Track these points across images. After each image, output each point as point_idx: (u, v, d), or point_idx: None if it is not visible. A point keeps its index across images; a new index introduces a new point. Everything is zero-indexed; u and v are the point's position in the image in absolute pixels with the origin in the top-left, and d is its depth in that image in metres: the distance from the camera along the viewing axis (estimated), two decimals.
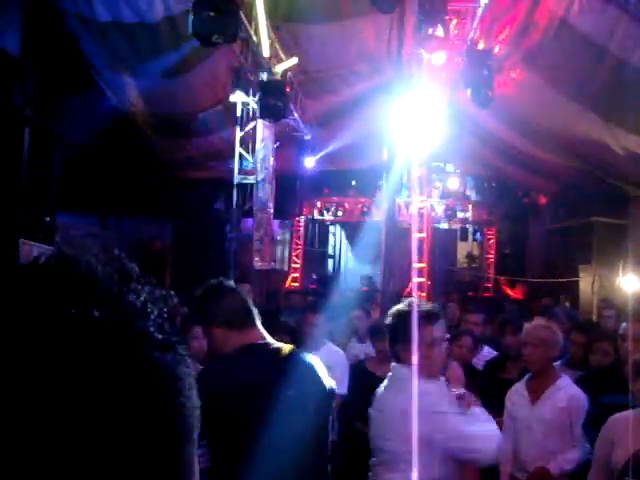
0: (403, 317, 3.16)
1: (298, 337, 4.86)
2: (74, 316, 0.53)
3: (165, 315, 0.60)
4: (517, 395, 4.37)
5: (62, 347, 0.52)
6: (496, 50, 9.90)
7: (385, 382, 3.31)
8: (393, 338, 3.27)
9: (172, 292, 0.63)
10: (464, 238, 19.73)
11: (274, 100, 9.59)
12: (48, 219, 7.32)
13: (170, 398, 0.57)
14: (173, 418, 0.57)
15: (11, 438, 0.49)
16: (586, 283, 12.68)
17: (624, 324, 4.96)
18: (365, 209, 17.80)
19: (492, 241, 19.11)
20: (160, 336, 0.58)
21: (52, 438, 0.50)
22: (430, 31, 9.18)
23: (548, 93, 9.87)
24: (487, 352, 6.29)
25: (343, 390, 4.80)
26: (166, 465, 0.56)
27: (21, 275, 0.57)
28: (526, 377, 4.39)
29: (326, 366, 4.90)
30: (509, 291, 17.38)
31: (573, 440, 4.10)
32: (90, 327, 0.54)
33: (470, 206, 18.92)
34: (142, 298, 0.59)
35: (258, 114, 10.06)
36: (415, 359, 2.98)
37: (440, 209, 18.06)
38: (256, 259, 10.53)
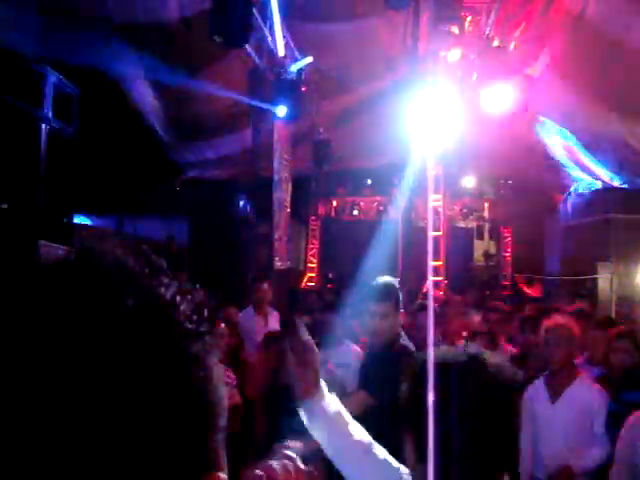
0: None
1: (316, 336, 4.85)
2: (107, 306, 0.55)
3: (193, 307, 0.62)
4: (536, 393, 4.34)
5: (97, 335, 0.54)
6: (511, 47, 9.86)
7: None
8: None
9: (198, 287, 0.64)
10: (480, 236, 19.65)
11: (289, 99, 9.60)
12: (66, 220, 7.37)
13: (198, 386, 0.59)
14: (200, 405, 0.59)
15: (49, 422, 0.51)
16: (604, 281, 12.58)
17: None
18: (381, 208, 17.78)
19: (509, 239, 19.02)
20: (189, 326, 0.60)
21: (85, 423, 0.52)
22: (445, 28, 9.15)
23: (564, 89, 9.81)
24: (506, 350, 6.26)
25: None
26: (193, 451, 0.58)
27: (54, 269, 0.59)
28: (545, 375, 4.36)
29: (344, 364, 4.92)
30: (526, 289, 17.29)
31: (594, 438, 4.07)
32: (123, 316, 0.55)
33: (486, 204, 18.85)
34: (171, 290, 0.61)
35: (274, 114, 10.07)
36: None
37: (456, 207, 18.01)
38: (276, 259, 10.54)
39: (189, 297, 0.62)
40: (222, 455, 0.64)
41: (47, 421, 0.51)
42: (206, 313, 0.63)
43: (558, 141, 11.88)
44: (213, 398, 0.61)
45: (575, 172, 13.46)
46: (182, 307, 0.60)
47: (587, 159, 12.00)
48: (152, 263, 0.63)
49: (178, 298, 0.60)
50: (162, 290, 0.60)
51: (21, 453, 0.51)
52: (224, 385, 0.64)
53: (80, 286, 0.56)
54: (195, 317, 0.61)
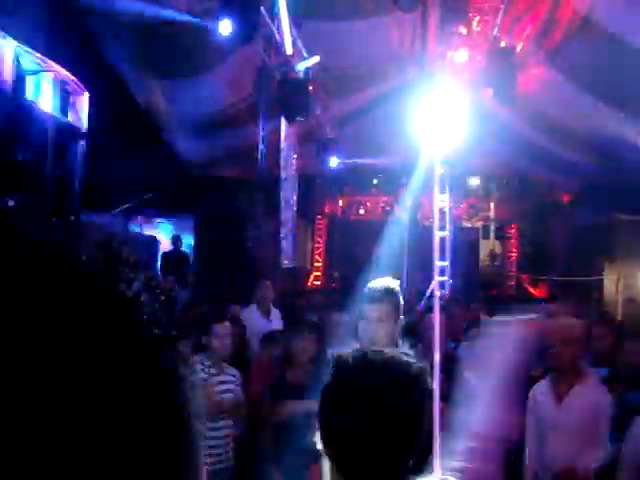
0: None
1: (323, 335, 4.87)
2: (55, 310, 0.47)
3: (162, 306, 0.54)
4: (541, 394, 4.34)
5: (43, 347, 0.45)
6: (518, 48, 9.84)
7: None
8: None
9: (172, 278, 0.55)
10: (486, 236, 19.62)
11: (296, 98, 9.60)
12: (73, 218, 7.39)
13: (166, 400, 0.51)
14: (171, 420, 0.51)
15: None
16: (610, 281, 12.57)
17: None
18: (387, 207, 17.78)
19: (514, 239, 18.99)
20: (155, 330, 0.51)
21: (46, 442, 0.44)
22: (453, 29, 9.14)
23: (571, 90, 9.80)
24: None
25: None
26: (164, 466, 0.50)
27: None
28: (551, 375, 4.36)
29: None
30: (532, 290, 17.26)
31: (599, 439, 4.07)
32: (72, 321, 0.47)
33: (492, 204, 18.83)
34: (135, 287, 0.52)
35: (281, 112, 10.07)
36: None
37: (462, 207, 17.99)
38: (283, 257, 10.56)
39: (158, 294, 0.55)
40: (197, 467, 0.54)
41: None
42: (177, 312, 0.53)
43: (562, 141, 11.86)
44: (182, 412, 0.52)
45: (580, 172, 13.43)
46: (146, 308, 0.52)
47: (593, 160, 11.97)
48: (113, 254, 0.54)
49: (143, 296, 0.52)
50: (122, 287, 0.51)
51: None
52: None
53: (22, 287, 0.47)
54: (163, 319, 0.53)
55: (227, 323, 5.04)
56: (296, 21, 9.51)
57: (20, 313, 0.46)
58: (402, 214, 14.97)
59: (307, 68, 10.26)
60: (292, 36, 9.64)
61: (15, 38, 6.71)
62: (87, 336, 0.46)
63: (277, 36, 9.31)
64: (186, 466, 0.52)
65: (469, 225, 19.05)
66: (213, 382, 4.73)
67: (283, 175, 10.67)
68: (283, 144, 10.66)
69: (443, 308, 5.50)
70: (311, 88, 10.20)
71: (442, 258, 13.91)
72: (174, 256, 12.77)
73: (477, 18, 9.91)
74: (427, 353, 4.84)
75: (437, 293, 5.17)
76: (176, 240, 13.28)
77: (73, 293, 0.48)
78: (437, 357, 3.89)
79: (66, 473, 0.44)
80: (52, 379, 0.44)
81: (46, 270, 0.49)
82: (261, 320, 7.12)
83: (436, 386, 2.74)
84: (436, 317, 4.47)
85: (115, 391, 0.46)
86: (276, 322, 7.26)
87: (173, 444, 0.50)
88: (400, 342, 3.71)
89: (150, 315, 0.51)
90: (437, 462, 2.06)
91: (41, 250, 0.51)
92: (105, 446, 0.45)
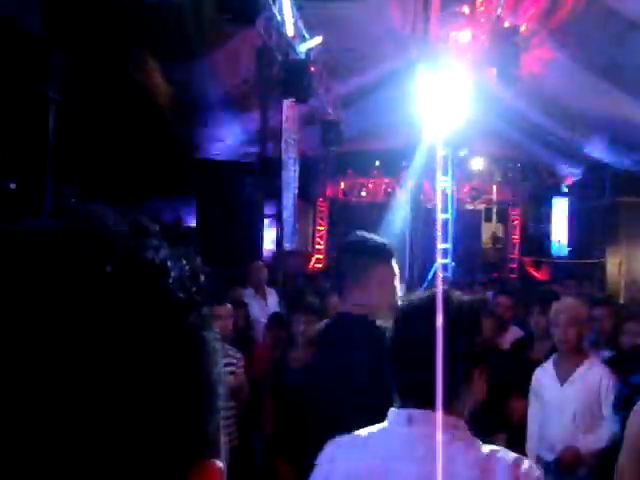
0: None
1: (324, 317, 4.85)
2: (85, 274, 0.49)
3: (188, 274, 0.55)
4: (545, 375, 4.33)
5: (75, 308, 0.47)
6: (522, 28, 9.76)
7: None
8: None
9: (195, 251, 0.59)
10: (489, 219, 19.61)
11: (298, 80, 9.55)
12: (74, 200, 7.37)
13: (192, 362, 0.53)
14: (195, 384, 0.53)
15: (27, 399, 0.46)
16: (613, 264, 12.55)
17: None
18: (389, 190, 17.75)
19: (517, 222, 18.97)
20: (182, 295, 0.53)
21: (61, 401, 0.46)
22: (456, 8, 9.07)
23: (575, 71, 9.73)
24: (514, 332, 6.26)
25: None
26: (186, 435, 0.52)
27: (32, 237, 0.52)
28: (554, 357, 4.35)
29: None
30: (534, 272, 17.26)
31: (602, 420, 4.07)
32: (104, 285, 0.49)
33: (494, 187, 18.80)
34: (161, 254, 0.54)
35: (282, 94, 10.02)
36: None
37: (464, 190, 17.97)
38: (284, 240, 10.55)
39: (183, 263, 0.56)
40: (219, 441, 0.57)
41: (28, 398, 0.46)
42: (202, 281, 0.57)
43: (567, 123, 11.81)
44: (210, 376, 0.55)
45: (584, 154, 13.38)
46: (174, 274, 0.53)
47: (597, 141, 11.92)
48: (140, 224, 0.56)
49: (169, 263, 0.54)
50: (150, 254, 0.53)
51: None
52: (223, 363, 0.58)
53: (54, 251, 0.50)
54: (189, 285, 0.54)
55: (229, 305, 5.02)
56: (297, 2, 9.44)
57: (55, 281, 0.48)
58: (404, 196, 14.96)
59: (308, 49, 10.19)
60: (293, 17, 9.57)
61: (13, 19, 6.66)
62: (120, 299, 0.49)
63: (278, 17, 9.24)
64: (205, 426, 0.54)
65: (471, 208, 19.03)
66: None
67: (284, 157, 10.63)
68: (284, 126, 10.61)
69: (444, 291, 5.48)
70: (313, 69, 10.13)
71: (444, 240, 13.94)
72: (175, 238, 12.71)
73: None
74: None
75: (439, 275, 5.15)
76: (177, 222, 13.28)
77: (106, 259, 0.50)
78: (440, 339, 3.88)
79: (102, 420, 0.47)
80: (89, 337, 0.47)
81: (80, 239, 0.51)
82: (257, 302, 7.11)
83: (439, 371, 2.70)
84: (439, 299, 4.46)
85: (143, 350, 0.49)
86: (272, 303, 7.25)
87: (197, 401, 0.53)
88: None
89: (176, 281, 0.53)
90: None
91: (72, 222, 0.54)
92: (133, 400, 0.48)
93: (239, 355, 5.03)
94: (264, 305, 7.12)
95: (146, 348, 0.49)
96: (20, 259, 0.49)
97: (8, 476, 0.46)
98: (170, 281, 0.53)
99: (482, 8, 9.88)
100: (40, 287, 0.48)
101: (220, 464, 0.56)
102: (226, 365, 4.93)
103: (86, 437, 0.46)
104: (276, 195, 10.78)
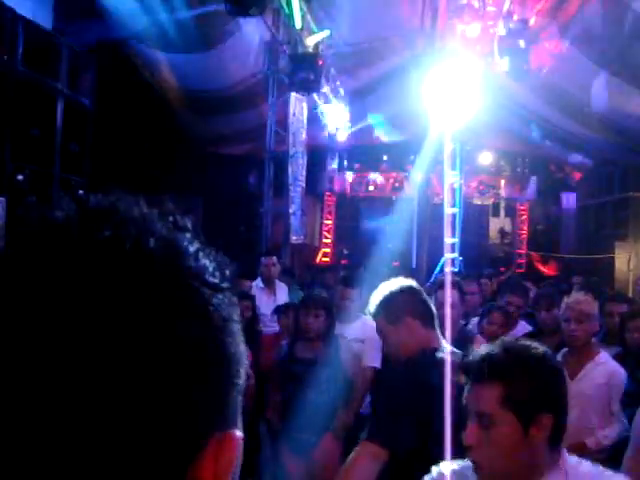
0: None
1: (332, 311, 4.85)
2: (130, 246, 0.54)
3: (216, 264, 0.61)
4: None
5: (116, 277, 0.53)
6: (532, 22, 9.71)
7: None
8: None
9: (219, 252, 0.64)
10: (496, 214, 19.57)
11: (306, 73, 9.52)
12: (82, 192, 7.38)
13: (218, 336, 0.58)
14: (221, 357, 0.58)
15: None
16: (622, 260, 12.49)
17: None
18: (397, 184, 17.72)
19: (524, 217, 18.92)
20: (211, 279, 0.59)
21: (99, 360, 0.51)
22: (465, 1, 9.03)
23: (585, 64, 9.68)
24: (522, 328, 6.23)
25: (376, 363, 4.80)
26: (209, 404, 0.56)
27: (75, 214, 0.58)
28: (563, 352, 4.33)
29: (360, 339, 4.92)
30: (542, 267, 17.22)
31: (611, 416, 4.05)
32: (144, 256, 0.54)
33: (503, 181, 18.75)
34: (194, 245, 0.60)
35: (290, 88, 10.00)
36: None
37: (472, 184, 17.92)
38: (291, 234, 10.55)
39: (212, 255, 0.61)
40: (238, 413, 0.62)
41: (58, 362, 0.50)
42: (228, 273, 0.62)
43: (576, 117, 11.75)
44: (233, 351, 0.60)
45: (593, 149, 13.32)
46: (205, 261, 0.59)
47: (606, 136, 11.86)
48: (177, 220, 0.62)
49: (201, 253, 0.60)
50: (186, 243, 0.59)
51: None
52: (244, 344, 0.63)
53: (103, 229, 0.55)
54: (218, 273, 0.60)
55: (234, 298, 5.02)
56: None
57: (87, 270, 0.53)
58: (412, 191, 14.93)
59: (317, 43, 10.16)
60: (301, 10, 9.54)
61: (23, 13, 6.66)
62: (159, 280, 0.54)
63: (286, 10, 9.22)
64: (226, 401, 0.59)
65: (479, 202, 18.98)
66: None
67: (292, 151, 10.62)
68: (292, 120, 10.59)
69: (455, 284, 5.45)
70: (320, 63, 10.11)
71: (452, 235, 13.91)
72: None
73: None
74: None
75: (447, 269, 5.14)
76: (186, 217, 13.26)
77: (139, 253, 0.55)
78: (449, 334, 3.86)
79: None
80: (122, 316, 0.52)
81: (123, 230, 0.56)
82: (267, 296, 7.10)
83: (448, 360, 2.69)
84: (447, 293, 4.44)
85: (175, 323, 0.54)
86: (282, 298, 7.24)
87: (218, 374, 0.58)
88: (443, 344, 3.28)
89: (207, 268, 0.59)
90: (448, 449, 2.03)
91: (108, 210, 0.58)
92: (160, 367, 0.52)
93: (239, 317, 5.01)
94: (273, 299, 7.12)
95: (175, 317, 0.54)
96: (72, 240, 0.55)
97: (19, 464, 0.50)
98: (202, 266, 0.59)
99: (491, 1, 9.84)
100: (84, 262, 0.53)
101: (239, 433, 0.60)
102: None
103: (110, 399, 0.51)
104: (284, 189, 10.77)
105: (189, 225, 0.62)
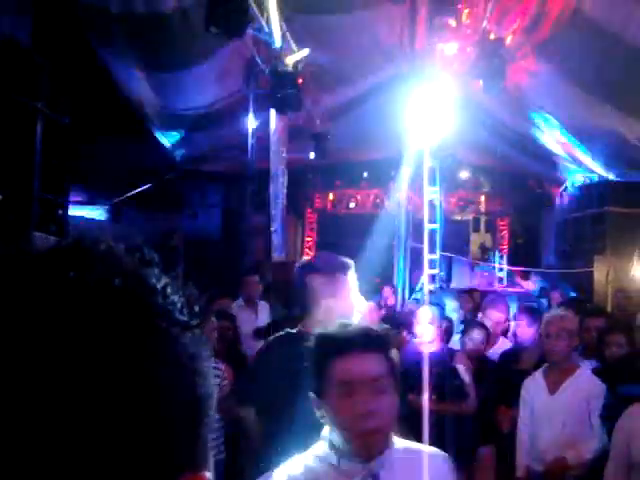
0: None
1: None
2: (95, 287, 0.53)
3: (185, 300, 0.60)
4: (535, 385, 4.35)
5: (82, 315, 0.52)
6: (508, 40, 9.83)
7: None
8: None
9: (190, 284, 0.63)
10: (477, 229, 19.68)
11: (286, 92, 9.56)
12: (61, 212, 7.35)
13: (188, 377, 0.57)
14: (190, 399, 0.57)
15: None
16: (600, 273, 12.59)
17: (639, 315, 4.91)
18: (378, 201, 17.79)
19: (505, 232, 19.03)
20: (179, 316, 0.58)
21: (66, 408, 0.50)
22: (442, 21, 9.13)
23: (560, 83, 9.81)
24: (502, 343, 6.28)
25: None
26: (177, 447, 0.55)
27: (44, 255, 0.57)
28: (544, 367, 4.37)
29: None
30: (522, 282, 17.30)
31: (591, 430, 4.08)
32: (111, 295, 0.53)
33: (482, 197, 18.87)
34: (163, 282, 0.59)
35: (270, 105, 10.04)
36: None
37: (452, 200, 18.03)
38: (273, 251, 10.54)
39: (180, 292, 0.60)
40: (208, 454, 0.61)
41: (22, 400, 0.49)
42: (197, 310, 0.61)
43: (553, 133, 11.88)
44: (203, 391, 0.59)
45: (571, 165, 13.47)
46: (173, 298, 0.58)
47: (582, 152, 12.00)
48: (144, 255, 0.61)
49: (169, 289, 0.58)
50: (153, 280, 0.58)
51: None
52: (214, 381, 0.61)
53: (68, 269, 0.54)
54: (186, 310, 0.59)
55: (212, 318, 5.00)
56: (285, 15, 9.46)
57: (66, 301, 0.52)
58: (393, 207, 14.99)
59: (296, 61, 10.21)
60: (281, 30, 9.59)
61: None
62: (125, 318, 0.53)
63: (266, 29, 9.26)
64: (195, 440, 0.58)
65: (459, 218, 19.08)
66: None
67: (273, 169, 10.64)
68: (272, 138, 10.62)
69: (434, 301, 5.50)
70: (300, 81, 10.15)
71: (432, 251, 13.96)
72: (165, 250, 12.69)
73: (466, 10, 9.88)
74: (419, 345, 4.85)
75: (428, 286, 5.17)
76: (170, 234, 13.23)
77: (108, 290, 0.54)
78: (427, 350, 3.89)
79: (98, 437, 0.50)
80: (90, 355, 0.51)
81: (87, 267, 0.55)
82: (247, 316, 7.09)
83: (426, 379, 2.72)
84: (426, 309, 4.47)
85: (140, 365, 0.53)
86: (263, 317, 7.23)
87: (187, 416, 0.57)
88: None
89: (175, 305, 0.58)
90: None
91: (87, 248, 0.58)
92: (126, 412, 0.51)
93: (222, 366, 4.99)
94: (254, 319, 7.11)
95: (142, 359, 0.53)
96: (36, 279, 0.54)
97: None
98: (170, 304, 0.58)
99: (468, 21, 9.95)
100: (58, 302, 0.52)
101: (208, 475, 0.59)
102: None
103: (77, 445, 0.49)
104: (265, 207, 10.78)
105: (155, 259, 0.61)
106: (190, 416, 0.57)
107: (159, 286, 0.58)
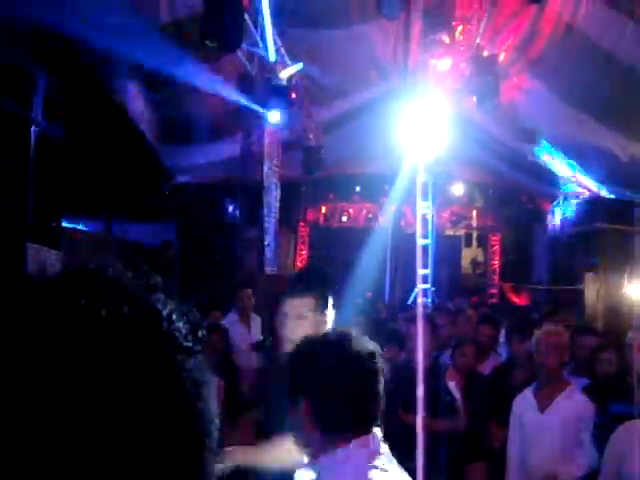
0: None
1: None
2: (104, 315, 0.55)
3: (189, 326, 0.61)
4: (525, 402, 4.34)
5: (91, 343, 0.53)
6: (501, 57, 9.91)
7: None
8: None
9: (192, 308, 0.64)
10: (469, 244, 19.71)
11: (280, 106, 9.60)
12: (54, 223, 7.34)
13: (191, 401, 0.58)
14: (193, 422, 0.58)
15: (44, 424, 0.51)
16: (591, 290, 12.62)
17: (630, 333, 4.91)
18: (370, 215, 17.82)
19: (496, 247, 19.08)
20: (185, 343, 0.59)
21: (74, 428, 0.51)
22: (436, 37, 9.19)
23: (553, 100, 9.87)
24: (493, 360, 6.27)
25: None
26: (183, 468, 0.56)
27: (50, 282, 0.58)
28: (534, 384, 4.37)
29: None
30: (514, 298, 17.33)
31: (582, 448, 4.08)
32: (120, 325, 0.55)
33: (474, 212, 18.92)
34: (168, 308, 0.60)
35: (264, 119, 10.07)
36: None
37: (445, 215, 18.07)
38: (266, 265, 10.53)
39: (185, 317, 0.62)
40: (213, 474, 0.62)
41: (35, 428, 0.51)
42: (200, 334, 0.63)
43: (546, 151, 11.95)
44: (206, 416, 0.60)
45: (563, 182, 13.53)
46: (178, 324, 0.60)
47: (574, 169, 12.06)
48: (149, 279, 0.62)
49: (174, 316, 0.60)
50: (159, 306, 0.59)
51: None
52: (217, 404, 0.63)
53: (77, 296, 0.56)
54: (190, 336, 0.61)
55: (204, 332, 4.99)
56: (279, 29, 9.51)
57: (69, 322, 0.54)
58: (385, 222, 15.01)
59: (290, 75, 10.26)
60: (276, 44, 9.64)
61: None
62: (132, 344, 0.55)
63: (260, 44, 9.31)
64: (199, 465, 0.59)
65: (452, 233, 19.13)
66: None
67: (266, 183, 10.65)
68: (266, 151, 10.64)
69: (428, 316, 5.49)
70: (294, 95, 10.20)
71: (424, 266, 13.96)
72: (161, 262, 12.67)
73: (460, 27, 9.96)
74: (411, 361, 4.84)
75: (420, 300, 5.18)
76: (165, 246, 13.21)
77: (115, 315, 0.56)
78: (421, 366, 3.88)
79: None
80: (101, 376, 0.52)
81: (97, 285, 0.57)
82: (240, 329, 7.07)
83: (420, 395, 2.71)
84: (419, 325, 4.47)
85: (146, 393, 0.54)
86: (256, 330, 7.22)
87: (189, 440, 0.57)
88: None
89: (179, 330, 0.60)
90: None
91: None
92: (133, 440, 0.52)
93: (214, 380, 4.97)
94: (247, 332, 7.09)
95: (148, 385, 0.54)
96: (48, 309, 0.55)
97: None
98: (176, 330, 0.59)
99: (462, 37, 10.03)
100: (61, 328, 0.53)
101: None
102: None
103: (88, 471, 0.50)
104: (258, 220, 10.78)
105: (160, 284, 0.63)
106: (194, 440, 0.58)
107: (165, 312, 0.59)
